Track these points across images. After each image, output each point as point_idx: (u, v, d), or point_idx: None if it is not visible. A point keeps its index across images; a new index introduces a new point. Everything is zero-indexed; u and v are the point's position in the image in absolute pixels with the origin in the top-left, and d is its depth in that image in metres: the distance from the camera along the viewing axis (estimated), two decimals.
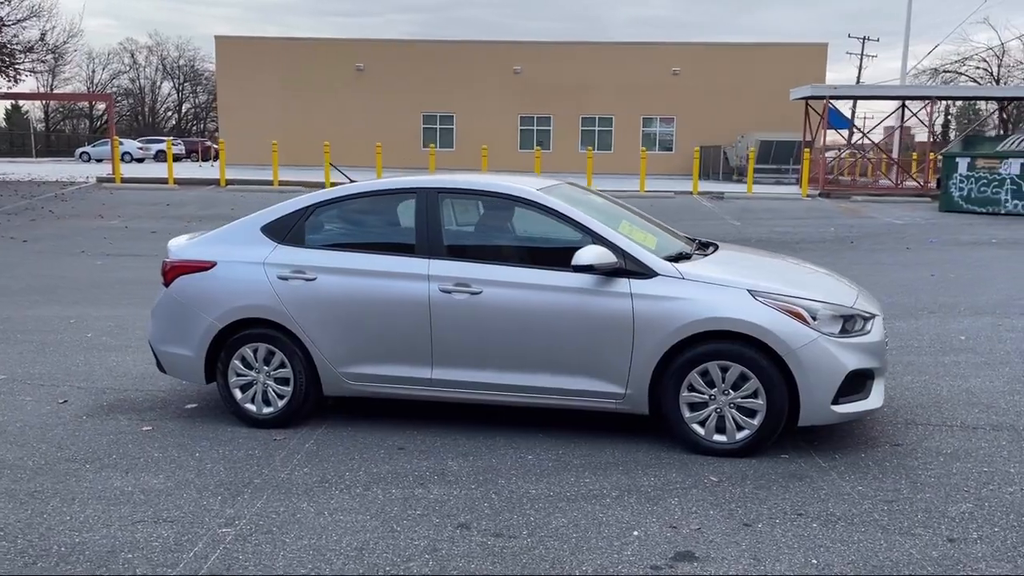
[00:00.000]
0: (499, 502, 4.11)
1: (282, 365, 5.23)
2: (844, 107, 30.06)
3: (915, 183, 26.52)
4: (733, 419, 4.62)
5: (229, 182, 24.35)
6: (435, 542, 3.69)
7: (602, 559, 3.50)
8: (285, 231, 5.33)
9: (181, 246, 5.59)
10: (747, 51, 39.48)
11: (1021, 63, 48.49)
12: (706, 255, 5.20)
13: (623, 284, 4.72)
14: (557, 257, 4.99)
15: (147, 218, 18.78)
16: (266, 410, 5.30)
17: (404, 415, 5.44)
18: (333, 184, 23.46)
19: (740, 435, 4.62)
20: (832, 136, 32.35)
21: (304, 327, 5.13)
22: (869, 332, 4.68)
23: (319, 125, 38.40)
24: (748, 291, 4.62)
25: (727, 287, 4.65)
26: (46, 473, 4.60)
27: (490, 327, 4.88)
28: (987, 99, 29.91)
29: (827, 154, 27.20)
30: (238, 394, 5.33)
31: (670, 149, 39.71)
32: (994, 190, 19.23)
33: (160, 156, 48.65)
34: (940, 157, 21.69)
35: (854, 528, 3.75)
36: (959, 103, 51.53)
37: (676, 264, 4.79)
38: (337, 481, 4.42)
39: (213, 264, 5.35)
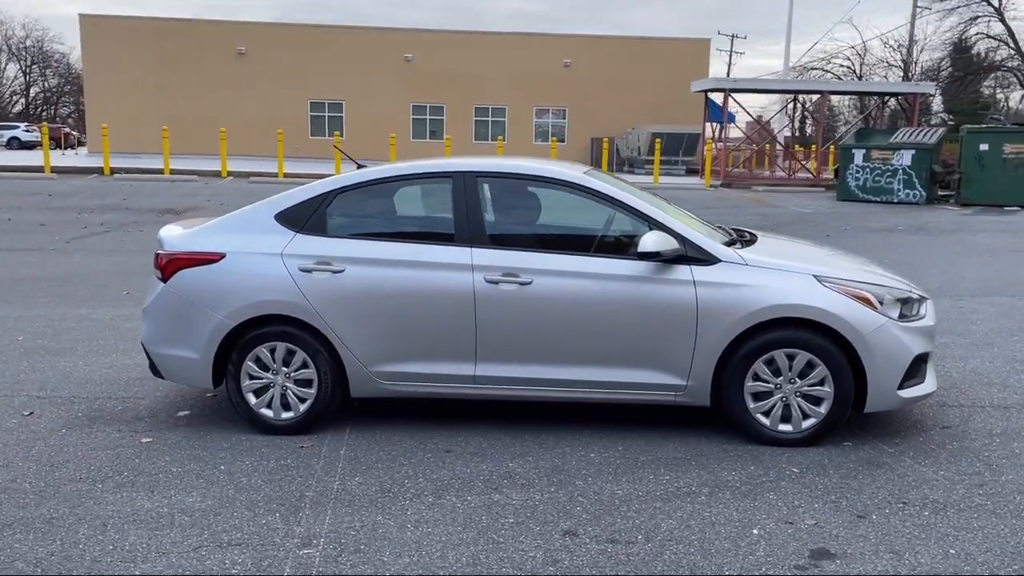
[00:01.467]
0: (591, 505, 3.86)
1: (304, 365, 4.78)
2: (720, 101, 30.89)
3: (808, 174, 27.68)
4: (799, 408, 4.53)
5: (114, 170, 22.75)
6: (550, 552, 3.41)
7: (740, 561, 3.32)
8: (303, 219, 4.87)
9: (180, 236, 5.03)
10: (635, 44, 40.18)
11: (882, 61, 51.55)
12: (753, 242, 5.08)
13: (684, 271, 4.54)
14: (608, 244, 4.78)
15: (30, 209, 17.25)
16: (285, 415, 4.84)
17: (426, 415, 5.08)
18: (229, 174, 22.37)
19: (806, 424, 4.54)
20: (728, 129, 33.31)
21: (331, 323, 4.70)
22: (924, 316, 4.68)
23: (199, 111, 36.52)
24: (814, 276, 4.54)
25: (792, 273, 4.55)
26: (53, 496, 4.02)
27: (541, 319, 4.60)
28: (873, 94, 31.52)
29: (718, 145, 27.96)
30: (252, 399, 4.85)
31: (563, 140, 39.99)
32: (887, 180, 20.27)
33: (13, 143, 45.16)
34: (837, 149, 22.66)
35: (966, 514, 3.71)
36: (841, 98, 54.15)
37: (737, 250, 4.65)
38: (400, 491, 4.06)
39: (222, 256, 4.83)
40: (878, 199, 20.38)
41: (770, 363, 4.51)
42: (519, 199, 5.01)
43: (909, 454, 4.44)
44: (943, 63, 49.66)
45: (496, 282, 4.61)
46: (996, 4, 43.02)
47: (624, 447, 4.59)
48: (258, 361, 4.81)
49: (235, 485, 4.15)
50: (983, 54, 48.87)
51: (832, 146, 30.06)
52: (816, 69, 51.04)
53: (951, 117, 44.03)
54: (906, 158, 19.93)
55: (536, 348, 4.64)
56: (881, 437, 4.68)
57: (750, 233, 5.44)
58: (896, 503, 3.84)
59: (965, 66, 48.04)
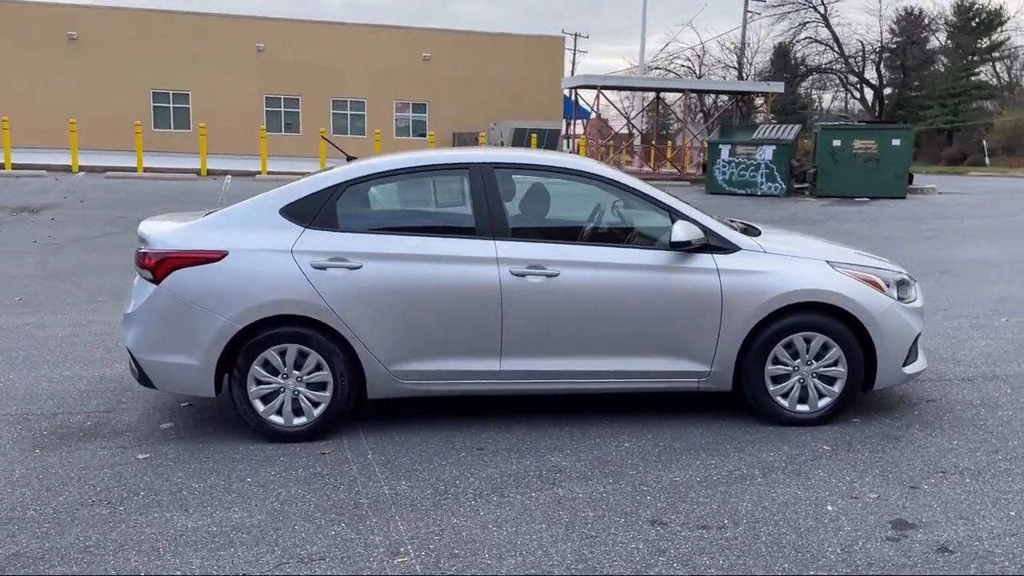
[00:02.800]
0: (659, 493, 3.88)
1: (317, 368, 4.53)
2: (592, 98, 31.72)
3: (673, 169, 28.82)
4: (816, 388, 4.74)
5: None
6: (650, 543, 3.40)
7: (834, 536, 3.43)
8: (312, 213, 4.60)
9: (172, 233, 4.63)
10: (492, 40, 40.45)
11: (720, 62, 54.45)
12: (759, 232, 5.24)
13: (707, 260, 4.64)
14: (630, 235, 4.82)
15: None
16: (297, 421, 4.57)
17: (429, 414, 4.93)
18: (80, 168, 20.58)
19: (821, 403, 4.75)
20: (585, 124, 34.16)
21: (349, 322, 4.48)
22: (916, 297, 5.00)
23: (38, 102, 33.69)
24: (827, 262, 4.75)
25: (808, 259, 4.75)
26: (72, 523, 3.63)
27: (568, 311, 4.58)
28: (732, 93, 33.15)
29: (590, 141, 28.66)
30: (259, 405, 4.55)
31: (424, 135, 39.72)
32: (751, 174, 21.45)
33: None
34: (707, 144, 23.74)
35: (1002, 479, 4.01)
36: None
37: (754, 238, 4.80)
38: (457, 492, 3.93)
39: (224, 254, 4.49)
40: (743, 192, 21.54)
41: (788, 346, 4.69)
42: (537, 190, 4.96)
43: (916, 427, 4.73)
44: (773, 65, 53.10)
45: (523, 275, 4.54)
46: (822, 11, 46.41)
47: (653, 435, 4.63)
48: (266, 365, 4.52)
49: (276, 497, 3.88)
50: (802, 57, 52.65)
51: (695, 142, 31.46)
52: (660, 68, 53.22)
53: (773, 116, 47.13)
54: (768, 153, 21.17)
55: (563, 340, 4.61)
56: (882, 413, 4.97)
57: (749, 224, 5.61)
58: (935, 472, 4.09)
59: (788, 68, 51.50)
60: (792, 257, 4.73)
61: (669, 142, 35.35)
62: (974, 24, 54.48)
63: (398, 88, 39.16)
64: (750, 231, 5.07)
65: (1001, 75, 60.22)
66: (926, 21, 54.80)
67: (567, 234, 4.80)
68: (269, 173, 22.37)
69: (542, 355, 4.63)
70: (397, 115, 39.83)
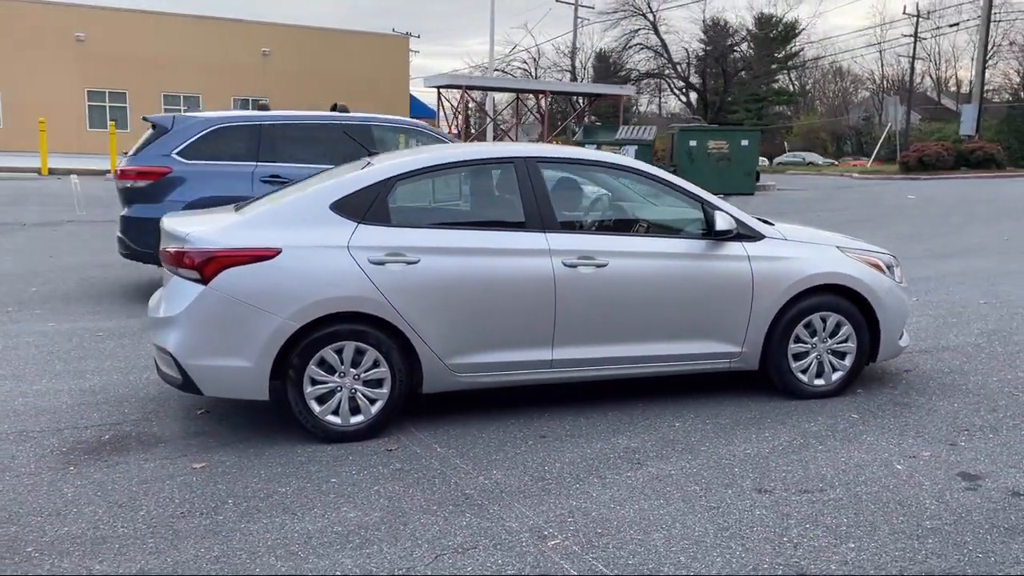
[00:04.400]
0: (742, 465, 4.15)
1: (375, 364, 4.47)
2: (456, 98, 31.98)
3: None
4: (830, 363, 5.17)
5: None
6: (773, 508, 3.66)
7: (919, 490, 3.82)
8: (363, 208, 4.53)
9: (216, 231, 4.41)
10: (335, 36, 39.75)
11: (555, 64, 56.13)
12: (775, 223, 5.59)
13: (738, 248, 4.96)
14: (667, 226, 5.06)
15: None
16: (354, 419, 4.49)
17: (460, 408, 4.98)
18: None
19: (835, 377, 5.19)
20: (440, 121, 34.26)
21: (408, 317, 4.45)
22: (902, 278, 5.55)
23: None
24: (837, 247, 5.20)
25: (822, 245, 5.18)
26: (181, 535, 3.45)
27: (616, 300, 4.77)
28: (586, 95, 34.20)
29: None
30: (315, 406, 4.43)
31: None
32: None
33: None
34: (577, 144, 24.45)
35: (1020, 432, 4.56)
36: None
37: (775, 226, 5.17)
38: (554, 477, 4.02)
39: (278, 251, 4.34)
40: None
41: (807, 325, 5.10)
42: (574, 184, 5.10)
43: (914, 394, 5.27)
44: (595, 70, 55.37)
45: (574, 265, 4.68)
46: (651, 19, 48.87)
47: (694, 415, 4.90)
48: (322, 364, 4.41)
49: (376, 495, 3.83)
50: (624, 62, 55.25)
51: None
52: (498, 71, 54.14)
53: (595, 120, 49.23)
54: (631, 153, 22.17)
55: (610, 328, 4.79)
56: (878, 383, 5.47)
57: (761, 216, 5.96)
58: (960, 431, 4.60)
59: (609, 73, 53.87)
60: (809, 243, 5.15)
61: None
62: (772, 36, 59.14)
63: (237, 83, 37.65)
64: (765, 221, 5.45)
65: (795, 83, 66.02)
66: (731, 31, 58.89)
67: (609, 226, 4.98)
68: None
69: (591, 343, 4.78)
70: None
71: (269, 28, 38.60)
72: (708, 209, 4.95)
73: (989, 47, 34.80)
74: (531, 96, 38.96)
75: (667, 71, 52.83)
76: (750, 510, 3.65)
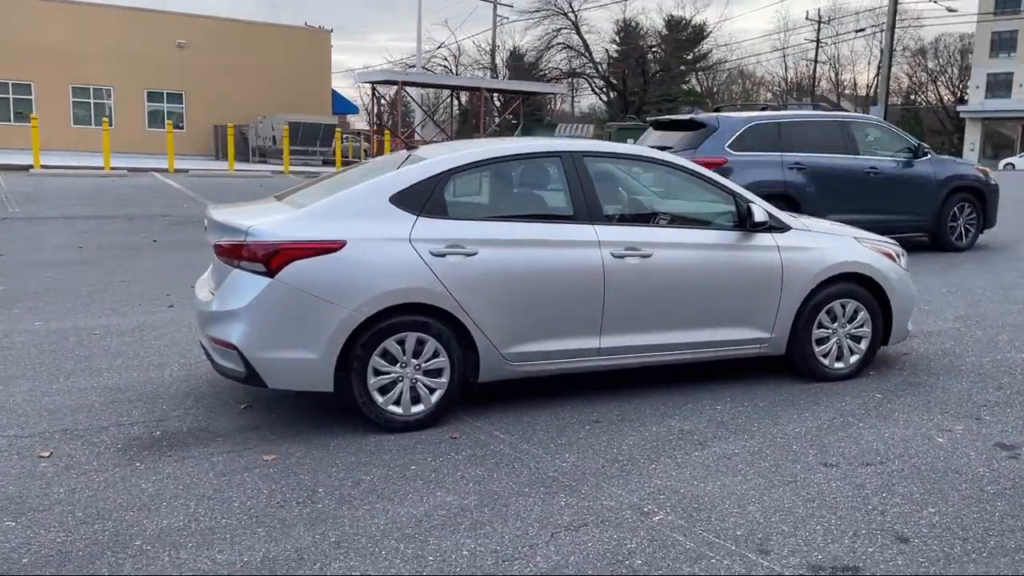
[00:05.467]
0: (800, 442, 4.39)
1: (434, 355, 4.54)
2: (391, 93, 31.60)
3: None
4: (848, 347, 5.49)
5: None
6: (847, 479, 3.90)
7: (962, 459, 4.14)
8: (422, 201, 4.59)
9: (281, 223, 4.40)
10: (256, 29, 38.79)
11: (477, 62, 56.22)
12: (796, 215, 5.87)
13: (768, 238, 5.22)
14: (703, 218, 5.28)
15: None
16: (415, 409, 4.55)
17: (507, 395, 5.10)
18: None
19: (852, 360, 5.50)
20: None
21: (467, 308, 4.54)
22: (907, 267, 5.92)
23: None
24: (854, 238, 5.52)
25: (841, 236, 5.49)
26: (287, 524, 3.48)
27: (660, 289, 4.95)
28: (520, 93, 34.36)
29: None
30: (378, 397, 4.47)
31: (181, 127, 37.19)
32: None
33: None
34: None
35: None
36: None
37: (799, 218, 5.45)
38: (627, 459, 4.18)
39: (343, 244, 4.37)
40: None
41: (829, 312, 5.39)
42: (616, 177, 5.26)
43: (922, 375, 5.63)
44: (509, 68, 55.73)
45: (622, 256, 4.85)
46: (572, 19, 49.46)
47: (731, 399, 5.13)
48: (385, 355, 4.45)
49: (463, 479, 3.93)
50: (545, 61, 55.84)
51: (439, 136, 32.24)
52: (413, 67, 53.76)
53: (511, 117, 49.61)
54: None
55: (654, 316, 4.98)
56: (885, 367, 5.82)
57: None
58: (979, 407, 4.96)
59: (522, 71, 54.31)
60: (831, 234, 5.46)
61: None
62: (683, 37, 60.57)
63: (150, 76, 36.27)
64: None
65: (703, 84, 67.91)
66: (642, 33, 60.04)
67: (650, 218, 5.16)
68: (43, 167, 20.09)
69: (635, 331, 4.96)
70: (149, 105, 36.91)
71: (186, 19, 37.38)
72: (741, 202, 5.19)
73: (884, 52, 36.49)
74: (446, 93, 38.91)
75: (588, 70, 53.65)
76: (826, 483, 3.88)
